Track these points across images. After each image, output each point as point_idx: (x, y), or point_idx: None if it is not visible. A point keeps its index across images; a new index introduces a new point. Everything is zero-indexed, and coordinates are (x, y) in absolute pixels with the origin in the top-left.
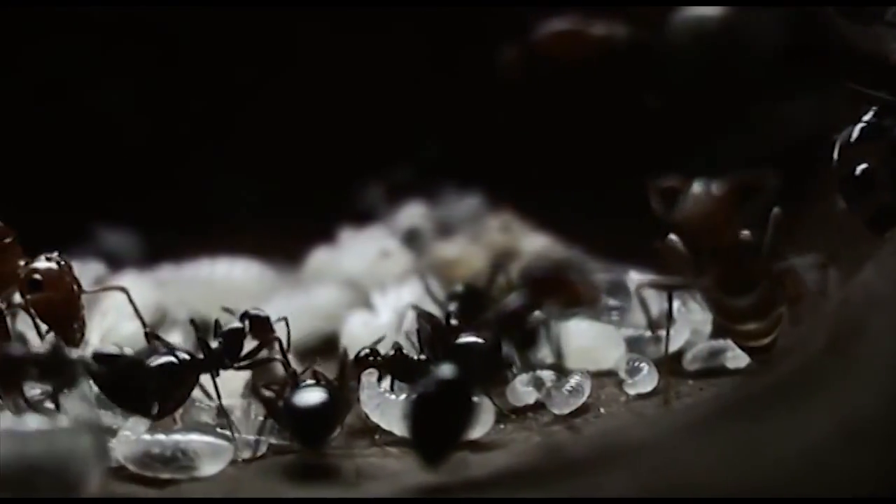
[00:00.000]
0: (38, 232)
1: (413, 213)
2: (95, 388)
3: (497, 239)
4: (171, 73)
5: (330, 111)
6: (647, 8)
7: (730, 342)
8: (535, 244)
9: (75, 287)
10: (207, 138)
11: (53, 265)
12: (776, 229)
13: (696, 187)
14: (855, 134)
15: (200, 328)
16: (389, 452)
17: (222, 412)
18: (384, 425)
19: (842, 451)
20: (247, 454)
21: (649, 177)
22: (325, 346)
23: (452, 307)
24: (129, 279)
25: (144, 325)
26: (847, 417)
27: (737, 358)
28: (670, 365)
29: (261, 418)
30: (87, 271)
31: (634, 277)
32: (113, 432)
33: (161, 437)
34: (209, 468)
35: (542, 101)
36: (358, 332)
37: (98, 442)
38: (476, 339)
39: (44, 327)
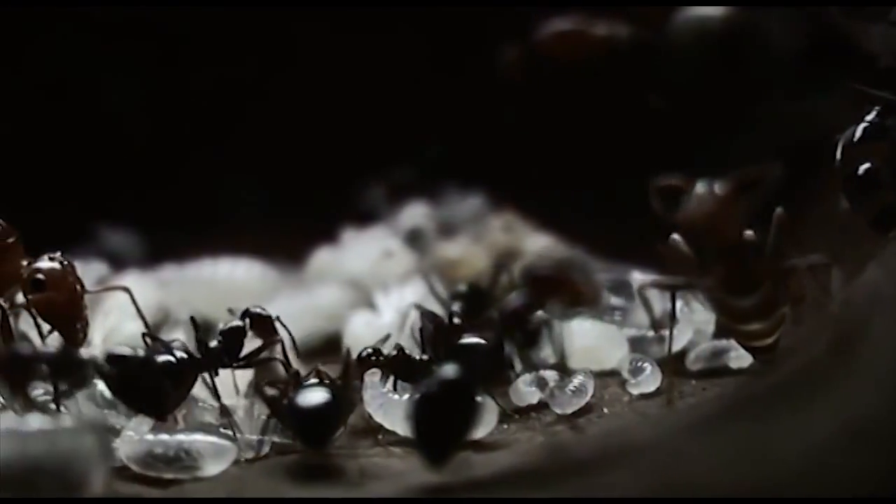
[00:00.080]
0: (40, 232)
1: (415, 214)
2: (104, 389)
3: (499, 239)
4: (174, 73)
5: (332, 111)
6: (650, 8)
7: (733, 342)
8: (537, 244)
9: (78, 287)
10: (210, 138)
11: (56, 265)
12: (779, 229)
13: (700, 187)
14: (858, 134)
15: (201, 327)
16: (393, 452)
17: (225, 412)
18: (387, 425)
19: (845, 450)
20: (250, 454)
21: (651, 177)
22: (328, 346)
23: (456, 307)
24: (132, 279)
25: (147, 325)
26: (850, 417)
27: (740, 358)
28: (673, 365)
29: (264, 418)
30: (89, 271)
31: (637, 277)
32: (117, 432)
33: (164, 437)
34: (212, 468)
35: (543, 102)
36: (361, 332)
37: (101, 442)
38: (479, 339)
39: (46, 327)
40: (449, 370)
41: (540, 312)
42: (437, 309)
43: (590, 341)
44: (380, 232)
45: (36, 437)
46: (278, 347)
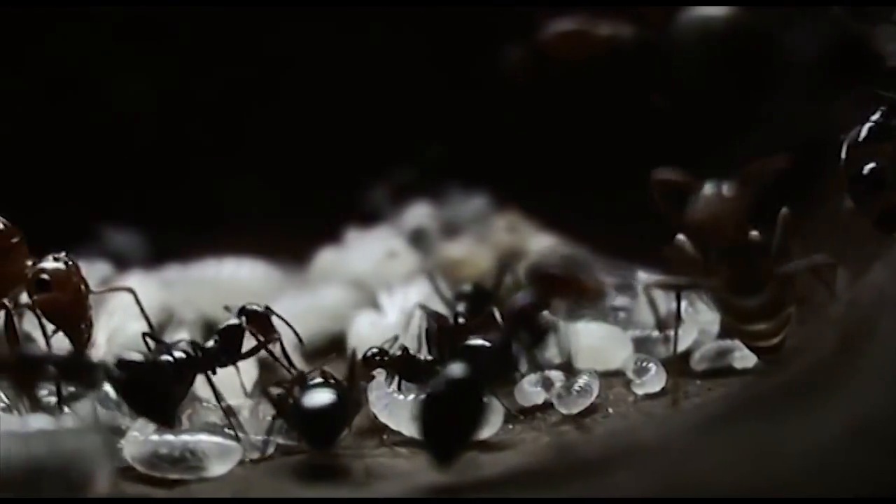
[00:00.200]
0: (44, 232)
1: (419, 214)
2: (110, 390)
3: (503, 239)
4: (178, 74)
5: (336, 112)
6: (653, 8)
7: (737, 342)
8: (541, 244)
9: (83, 287)
10: (214, 138)
11: (61, 265)
12: (785, 229)
13: (708, 188)
14: (863, 134)
15: (205, 327)
16: (398, 452)
17: (229, 412)
18: (392, 425)
19: (851, 450)
20: (255, 455)
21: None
22: (332, 346)
23: (460, 307)
24: (136, 279)
25: (151, 325)
26: (856, 417)
27: (744, 358)
28: (678, 365)
29: (269, 418)
30: (93, 271)
31: (642, 277)
32: (122, 432)
33: (169, 437)
34: (217, 468)
35: (547, 102)
36: (365, 333)
37: (106, 442)
38: (485, 339)
39: (50, 328)
40: (456, 370)
41: (546, 312)
42: (442, 309)
43: (594, 341)
44: (384, 232)
45: (40, 438)
46: (279, 344)
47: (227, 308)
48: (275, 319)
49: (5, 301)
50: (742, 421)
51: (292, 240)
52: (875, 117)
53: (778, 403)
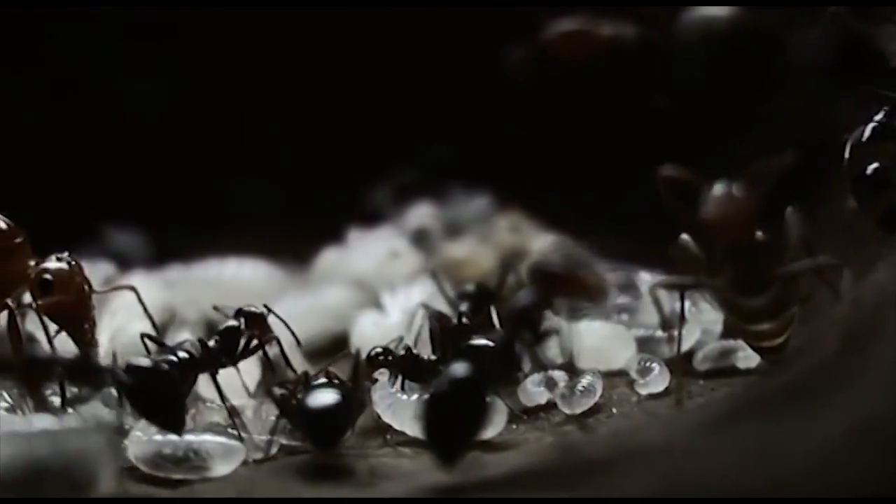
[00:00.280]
0: (47, 231)
1: (421, 214)
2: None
3: (506, 239)
4: (180, 74)
5: (338, 112)
6: (656, 8)
7: (741, 342)
8: (543, 244)
9: (86, 287)
10: (216, 139)
11: (64, 265)
12: (790, 230)
13: (719, 187)
14: (866, 134)
15: (207, 327)
16: (402, 452)
17: (234, 412)
18: (396, 425)
19: (855, 451)
20: (258, 455)
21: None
22: (335, 346)
23: (463, 307)
24: (138, 279)
25: (154, 325)
26: (860, 417)
27: (748, 358)
28: (682, 365)
29: (272, 418)
30: (96, 271)
31: (645, 277)
32: (126, 432)
33: (173, 437)
34: (221, 468)
35: (550, 102)
36: (368, 333)
37: (109, 442)
38: (488, 338)
39: (53, 327)
40: (459, 369)
41: (548, 311)
42: (446, 309)
43: (597, 341)
44: (386, 232)
45: (43, 438)
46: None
47: (216, 308)
48: (275, 320)
49: (8, 301)
50: (746, 421)
51: (295, 240)
52: (878, 117)
53: (782, 403)
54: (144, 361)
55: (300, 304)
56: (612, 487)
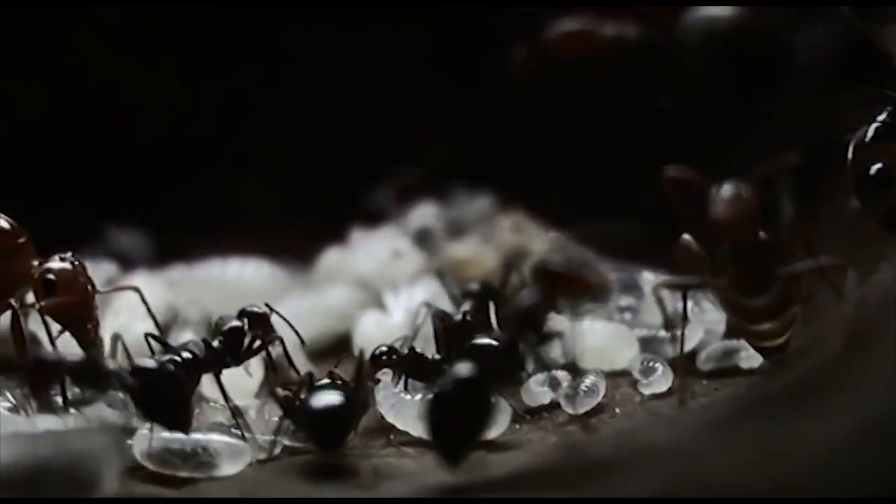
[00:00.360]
0: (49, 231)
1: (424, 214)
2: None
3: (509, 239)
4: (184, 74)
5: (341, 112)
6: (658, 8)
7: (744, 342)
8: (546, 244)
9: (89, 287)
10: (218, 138)
11: (67, 265)
12: (792, 229)
13: (728, 187)
14: (870, 134)
15: (211, 328)
16: (406, 452)
17: (238, 412)
18: (399, 425)
19: (858, 451)
20: (262, 455)
21: (660, 175)
22: (337, 346)
23: (466, 305)
24: (141, 279)
25: (158, 325)
26: (863, 418)
27: (750, 358)
28: (685, 365)
29: (275, 418)
30: (98, 271)
31: (647, 277)
32: (131, 432)
33: (180, 434)
34: (229, 468)
35: (552, 102)
36: (371, 332)
37: (113, 442)
38: (492, 338)
39: (56, 327)
40: (463, 369)
41: (551, 311)
42: (450, 308)
43: (600, 341)
44: (389, 232)
45: (47, 438)
46: (282, 348)
47: (219, 320)
48: (277, 320)
49: (12, 301)
50: (749, 421)
51: (297, 239)
52: (882, 117)
53: (785, 404)
54: (150, 362)
55: (303, 304)
56: (615, 487)
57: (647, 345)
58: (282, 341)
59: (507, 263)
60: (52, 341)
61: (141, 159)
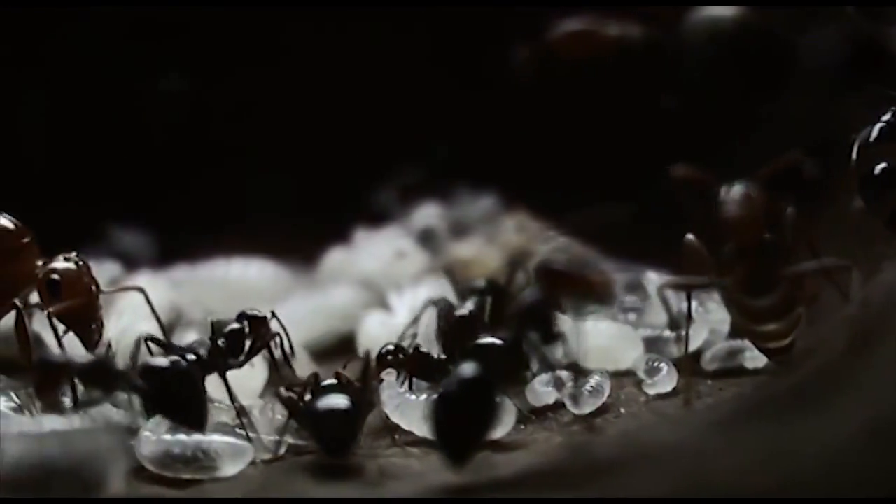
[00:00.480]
0: (52, 231)
1: (428, 214)
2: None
3: (512, 239)
4: (187, 75)
5: (344, 112)
6: (662, 8)
7: (748, 342)
8: (549, 244)
9: (94, 288)
10: (222, 138)
11: (71, 265)
12: (796, 230)
13: (738, 187)
14: (874, 134)
15: (216, 328)
16: (411, 452)
17: (243, 412)
18: (404, 425)
19: (863, 451)
20: (266, 455)
21: (662, 176)
22: (342, 346)
23: (472, 302)
24: (144, 279)
25: (162, 325)
26: (869, 418)
27: (755, 358)
28: (689, 365)
29: (279, 418)
30: (102, 271)
31: (651, 277)
32: (135, 433)
33: (182, 437)
34: (230, 468)
35: (556, 102)
36: (375, 333)
37: (119, 443)
38: (496, 338)
39: (61, 327)
40: (468, 369)
41: (556, 312)
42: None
43: (605, 341)
44: (392, 232)
45: (53, 438)
46: (280, 349)
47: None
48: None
49: (16, 301)
50: (754, 421)
51: (301, 240)
52: (886, 117)
53: (790, 404)
54: (163, 361)
55: (307, 304)
56: (621, 487)
57: (652, 345)
58: (282, 342)
59: (512, 262)
60: (59, 343)
61: (144, 159)
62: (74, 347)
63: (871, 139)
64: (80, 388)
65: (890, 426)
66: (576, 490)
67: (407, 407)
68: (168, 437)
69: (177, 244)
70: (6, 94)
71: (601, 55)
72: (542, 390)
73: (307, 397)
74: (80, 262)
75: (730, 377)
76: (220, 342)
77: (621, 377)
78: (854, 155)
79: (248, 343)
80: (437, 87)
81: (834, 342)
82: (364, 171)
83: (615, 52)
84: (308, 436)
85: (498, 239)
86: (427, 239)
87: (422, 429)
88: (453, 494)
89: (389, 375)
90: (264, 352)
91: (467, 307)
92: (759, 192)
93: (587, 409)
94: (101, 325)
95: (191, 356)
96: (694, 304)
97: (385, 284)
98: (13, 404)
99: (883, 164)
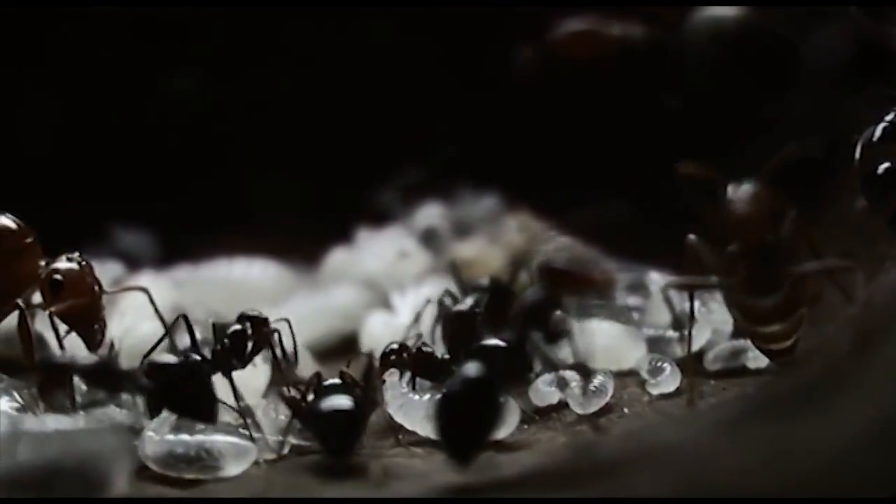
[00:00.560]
0: (55, 231)
1: (430, 214)
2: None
3: (515, 239)
4: (190, 75)
5: (347, 112)
6: (664, 8)
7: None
8: (551, 243)
9: (97, 288)
10: (225, 139)
11: (74, 266)
12: (799, 230)
13: (747, 187)
14: (877, 133)
15: (219, 329)
16: (415, 452)
17: (248, 412)
18: (407, 425)
19: (867, 451)
20: (269, 455)
21: (664, 178)
22: (344, 346)
23: (476, 300)
24: (147, 279)
25: (165, 326)
26: (872, 418)
27: (758, 358)
28: (693, 365)
29: (282, 418)
30: (105, 271)
31: (654, 277)
32: (138, 432)
33: (185, 437)
34: (233, 468)
35: (558, 102)
36: (378, 333)
37: (123, 442)
38: (499, 338)
39: (63, 328)
40: (471, 369)
41: (559, 311)
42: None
43: (608, 341)
44: (395, 232)
45: (57, 438)
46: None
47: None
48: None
49: (19, 301)
50: (757, 421)
51: (303, 240)
52: (889, 117)
53: (793, 404)
54: (171, 358)
55: (309, 304)
56: (624, 487)
57: (655, 345)
58: (281, 342)
59: (514, 262)
60: (60, 343)
61: (146, 160)
62: (77, 347)
63: (874, 139)
64: (83, 388)
65: (894, 426)
66: (579, 490)
67: (410, 407)
68: (171, 436)
69: (179, 244)
70: (8, 94)
71: (603, 55)
72: (545, 390)
73: (310, 397)
74: (83, 262)
75: (733, 377)
76: (222, 343)
77: (624, 377)
78: (857, 155)
79: (250, 344)
80: (440, 88)
81: (837, 342)
82: (366, 171)
83: (617, 53)
84: (311, 436)
85: (500, 239)
86: (429, 239)
87: (425, 429)
88: (457, 494)
89: (393, 375)
90: (267, 352)
91: (469, 303)
92: (767, 192)
93: (591, 408)
94: (103, 326)
95: (195, 356)
96: (697, 303)
97: (388, 284)
98: (16, 404)
99: (886, 164)
